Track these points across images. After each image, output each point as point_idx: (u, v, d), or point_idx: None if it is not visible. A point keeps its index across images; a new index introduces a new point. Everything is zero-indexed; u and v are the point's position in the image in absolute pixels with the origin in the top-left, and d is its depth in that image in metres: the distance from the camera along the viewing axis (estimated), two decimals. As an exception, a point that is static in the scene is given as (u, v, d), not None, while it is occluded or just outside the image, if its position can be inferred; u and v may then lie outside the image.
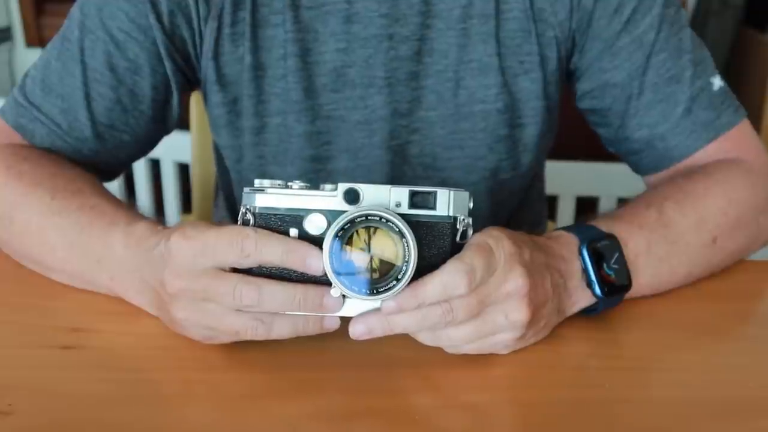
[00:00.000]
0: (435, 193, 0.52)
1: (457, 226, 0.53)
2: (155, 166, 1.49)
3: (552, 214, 1.42)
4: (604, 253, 0.62)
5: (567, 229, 0.64)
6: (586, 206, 1.44)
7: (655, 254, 0.66)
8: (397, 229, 0.50)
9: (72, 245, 0.63)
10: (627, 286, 0.63)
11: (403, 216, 0.51)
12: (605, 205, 1.41)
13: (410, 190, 0.52)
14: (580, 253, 0.61)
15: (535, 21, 0.77)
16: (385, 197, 0.52)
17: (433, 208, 0.52)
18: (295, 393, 0.54)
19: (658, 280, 0.67)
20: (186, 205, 1.50)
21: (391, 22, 0.76)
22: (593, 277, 0.60)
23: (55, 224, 0.65)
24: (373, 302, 0.52)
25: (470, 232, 0.54)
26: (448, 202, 0.52)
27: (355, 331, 0.52)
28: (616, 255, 0.62)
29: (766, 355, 0.62)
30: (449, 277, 0.51)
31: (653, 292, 0.67)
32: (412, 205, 0.52)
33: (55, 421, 0.50)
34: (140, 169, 1.49)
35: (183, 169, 1.47)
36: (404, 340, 0.54)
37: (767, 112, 1.97)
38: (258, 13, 0.76)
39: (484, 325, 0.54)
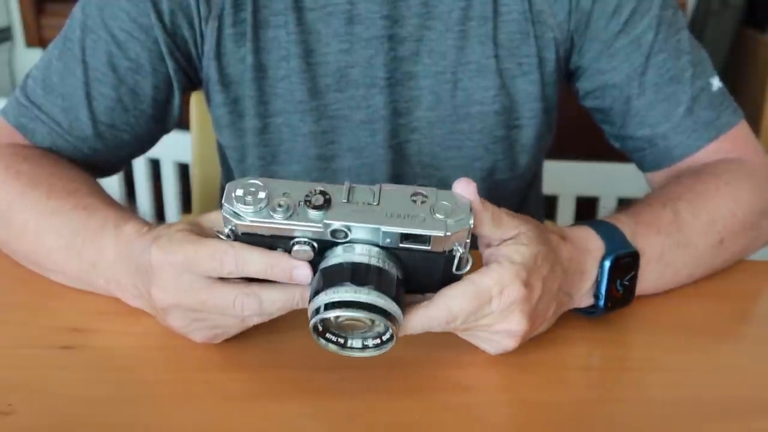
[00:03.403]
0: (429, 237, 0.47)
1: (453, 260, 0.49)
2: (155, 166, 1.49)
3: (552, 214, 1.42)
4: (621, 270, 0.61)
5: (598, 230, 0.62)
6: (586, 206, 1.44)
7: (665, 260, 0.66)
8: (371, 319, 0.47)
9: (67, 248, 0.63)
10: (629, 301, 0.63)
11: (394, 249, 0.48)
12: (605, 205, 1.41)
13: (401, 234, 0.47)
14: (601, 266, 0.60)
15: (534, 23, 0.77)
16: (375, 238, 0.48)
17: (428, 245, 0.48)
18: (295, 393, 0.54)
19: (661, 283, 0.67)
20: (186, 205, 1.50)
21: (392, 23, 0.76)
22: (602, 292, 0.60)
23: (50, 225, 0.64)
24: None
25: (468, 261, 0.50)
26: (443, 241, 0.48)
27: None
28: (631, 274, 0.62)
29: (766, 355, 0.62)
30: (428, 322, 0.51)
31: (654, 292, 0.67)
32: (405, 240, 0.48)
33: (55, 421, 0.50)
34: (140, 169, 1.49)
35: (183, 169, 1.47)
36: (404, 339, 0.54)
37: (767, 112, 1.97)
38: (259, 14, 0.76)
39: (471, 336, 0.56)
